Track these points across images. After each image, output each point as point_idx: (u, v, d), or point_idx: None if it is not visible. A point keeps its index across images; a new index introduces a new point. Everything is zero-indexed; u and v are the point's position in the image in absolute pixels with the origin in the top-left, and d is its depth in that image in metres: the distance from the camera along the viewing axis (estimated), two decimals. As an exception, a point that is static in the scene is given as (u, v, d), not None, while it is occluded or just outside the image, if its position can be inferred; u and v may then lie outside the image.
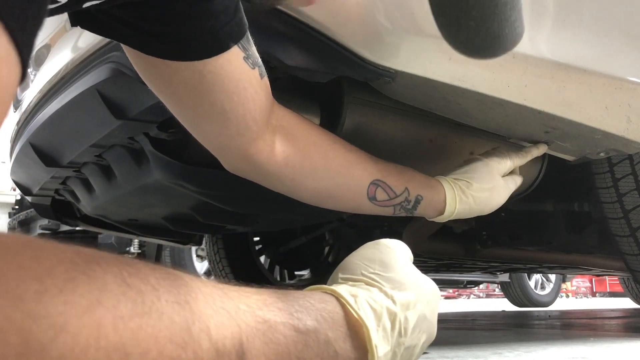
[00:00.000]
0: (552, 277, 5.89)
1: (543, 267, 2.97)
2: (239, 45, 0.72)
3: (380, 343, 0.52)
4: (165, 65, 0.69)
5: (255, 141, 0.81)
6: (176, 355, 0.35)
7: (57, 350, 0.30)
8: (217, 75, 0.71)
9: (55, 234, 3.95)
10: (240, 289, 0.47)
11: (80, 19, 0.64)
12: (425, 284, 0.61)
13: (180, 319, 0.36)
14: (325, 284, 0.59)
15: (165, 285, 0.37)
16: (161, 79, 0.73)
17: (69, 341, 0.31)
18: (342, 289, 0.55)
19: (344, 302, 0.53)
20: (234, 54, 0.71)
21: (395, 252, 0.61)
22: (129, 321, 0.33)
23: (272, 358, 0.44)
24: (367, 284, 0.56)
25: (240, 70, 0.73)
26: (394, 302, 0.55)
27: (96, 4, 0.54)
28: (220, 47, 0.70)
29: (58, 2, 0.48)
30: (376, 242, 0.62)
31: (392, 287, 0.56)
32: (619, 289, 7.06)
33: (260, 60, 0.77)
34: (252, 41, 0.75)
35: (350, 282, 0.57)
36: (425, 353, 1.04)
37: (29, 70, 1.41)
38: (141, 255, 4.32)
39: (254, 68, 0.75)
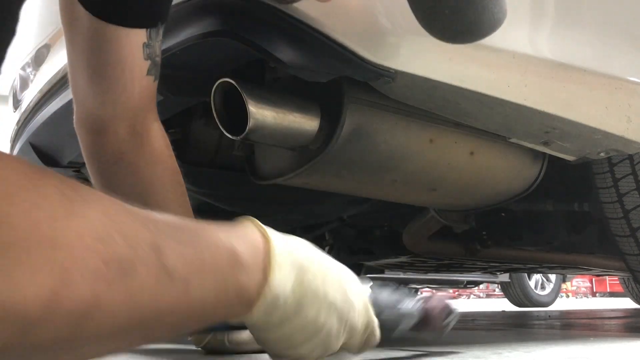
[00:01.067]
0: (552, 277, 5.89)
1: (543, 267, 2.97)
2: (148, 31, 0.74)
3: (282, 261, 0.54)
4: (83, 15, 0.72)
5: (111, 120, 0.81)
6: (95, 248, 0.40)
7: None
8: (113, 40, 0.73)
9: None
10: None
11: None
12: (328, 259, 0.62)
13: (100, 223, 0.41)
14: None
15: (96, 197, 0.44)
16: (70, 22, 0.75)
17: (9, 232, 0.35)
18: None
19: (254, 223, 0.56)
20: (138, 34, 0.74)
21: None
22: (62, 220, 0.39)
23: (185, 252, 0.46)
24: None
25: (134, 51, 0.75)
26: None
27: None
28: (145, 23, 0.73)
29: None
30: None
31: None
32: (619, 289, 7.06)
33: (159, 60, 0.79)
34: (160, 39, 0.77)
35: None
36: (424, 353, 1.04)
37: (29, 70, 1.41)
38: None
39: (146, 60, 0.77)
